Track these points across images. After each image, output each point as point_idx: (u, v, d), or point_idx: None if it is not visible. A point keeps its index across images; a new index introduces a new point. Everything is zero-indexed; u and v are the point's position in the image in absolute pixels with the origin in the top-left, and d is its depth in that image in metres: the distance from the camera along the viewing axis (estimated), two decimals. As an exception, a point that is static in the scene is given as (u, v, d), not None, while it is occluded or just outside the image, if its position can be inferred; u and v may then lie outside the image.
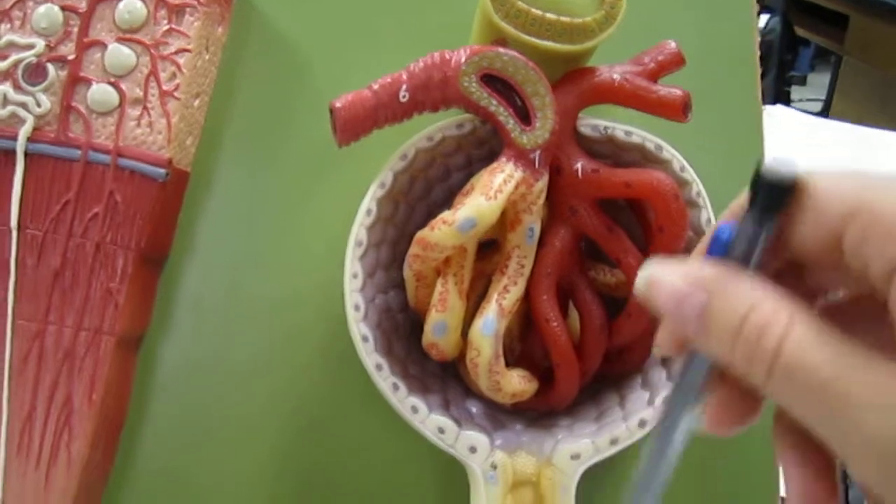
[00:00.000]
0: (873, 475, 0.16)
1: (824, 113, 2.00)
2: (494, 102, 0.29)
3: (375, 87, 0.29)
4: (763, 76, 0.43)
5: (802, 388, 0.17)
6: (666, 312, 0.20)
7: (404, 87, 0.29)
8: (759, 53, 0.41)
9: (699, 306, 0.19)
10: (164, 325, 0.37)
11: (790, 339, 0.17)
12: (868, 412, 0.16)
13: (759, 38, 0.43)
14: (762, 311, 0.18)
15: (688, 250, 0.32)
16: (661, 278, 0.20)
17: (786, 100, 2.00)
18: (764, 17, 1.83)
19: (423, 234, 0.29)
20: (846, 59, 1.89)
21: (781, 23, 1.86)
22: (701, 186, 0.32)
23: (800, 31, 1.93)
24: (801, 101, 2.28)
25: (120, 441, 0.36)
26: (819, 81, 2.42)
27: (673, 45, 0.32)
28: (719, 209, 0.32)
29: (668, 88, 0.30)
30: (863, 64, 1.77)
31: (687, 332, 0.19)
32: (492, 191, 0.28)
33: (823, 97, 2.10)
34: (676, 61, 0.32)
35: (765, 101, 0.43)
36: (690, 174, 0.32)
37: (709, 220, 0.32)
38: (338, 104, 0.29)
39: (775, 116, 1.00)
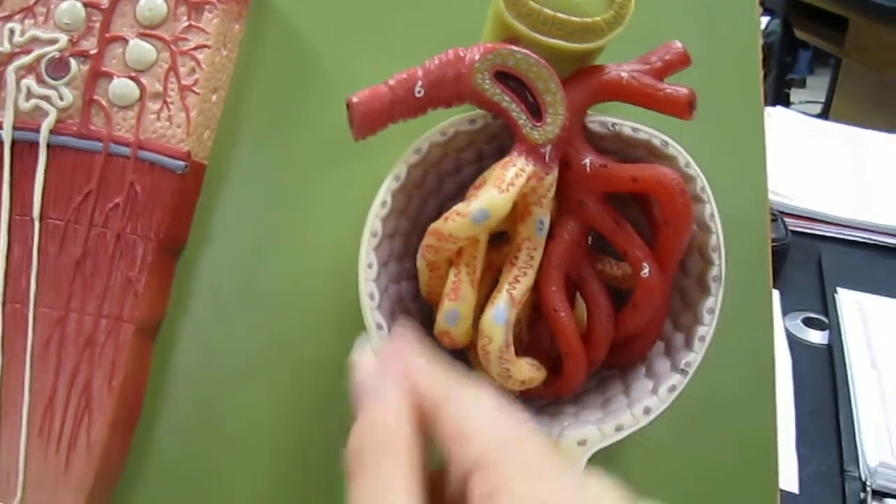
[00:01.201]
0: None
1: (823, 115, 2.01)
2: (507, 99, 0.30)
3: (391, 82, 0.30)
4: (763, 78, 0.44)
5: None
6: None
7: (420, 83, 0.30)
8: (762, 53, 0.42)
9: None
10: (179, 313, 0.38)
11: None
12: None
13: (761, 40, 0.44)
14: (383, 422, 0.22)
15: (691, 243, 0.33)
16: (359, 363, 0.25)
17: (785, 102, 2.01)
18: (764, 20, 1.84)
19: (437, 225, 0.30)
20: (845, 61, 1.90)
21: (782, 25, 1.87)
22: (705, 181, 0.33)
23: (800, 34, 1.94)
24: (800, 103, 2.29)
25: (136, 427, 0.37)
26: (818, 84, 2.44)
27: (679, 45, 0.33)
28: (721, 203, 0.33)
29: (675, 87, 0.31)
30: (862, 67, 1.78)
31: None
32: (504, 184, 0.29)
33: (822, 100, 2.11)
34: (682, 61, 0.33)
35: (765, 103, 0.44)
36: (695, 169, 0.33)
37: (712, 215, 0.32)
38: (355, 99, 0.30)
39: (774, 117, 1.01)
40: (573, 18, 0.31)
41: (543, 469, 0.20)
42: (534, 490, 0.18)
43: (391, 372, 0.24)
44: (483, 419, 0.21)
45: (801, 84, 2.53)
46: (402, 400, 0.23)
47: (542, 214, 0.31)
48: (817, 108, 2.14)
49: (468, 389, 0.22)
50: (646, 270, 0.31)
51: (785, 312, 0.65)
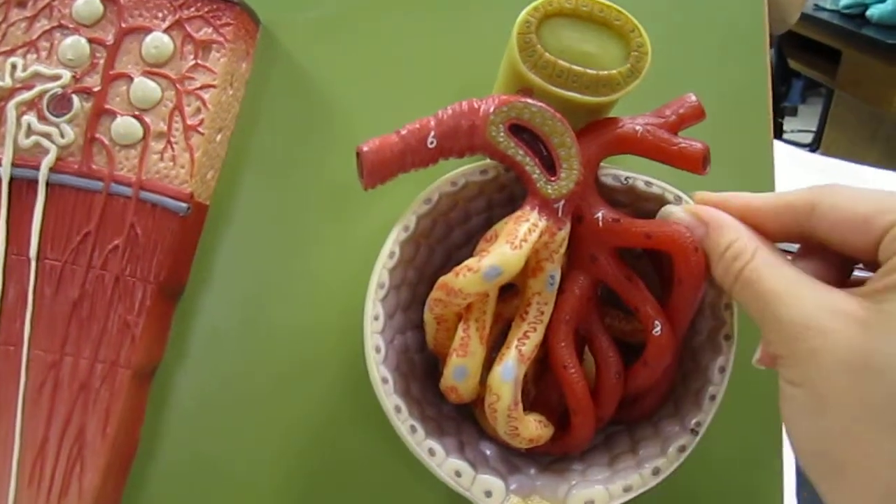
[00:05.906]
0: (782, 351, 0.25)
1: (815, 144, 2.02)
2: (521, 152, 0.29)
3: (403, 132, 0.29)
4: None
5: (751, 294, 0.26)
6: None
7: (432, 133, 0.29)
8: (772, 106, 0.42)
9: (699, 237, 0.29)
10: (177, 357, 0.37)
11: (750, 264, 0.27)
12: (782, 307, 0.25)
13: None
14: (737, 244, 0.27)
15: (703, 302, 0.32)
16: (674, 213, 0.30)
17: (778, 131, 2.03)
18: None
19: (447, 279, 0.29)
20: (838, 92, 1.92)
21: (776, 55, 1.88)
22: (718, 237, 0.32)
23: (793, 64, 1.96)
24: (792, 132, 2.31)
25: (129, 472, 0.36)
26: (810, 112, 2.46)
27: (693, 98, 0.32)
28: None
29: (689, 141, 0.31)
30: (854, 98, 1.80)
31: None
32: (517, 240, 0.28)
33: (814, 129, 2.13)
34: (697, 114, 0.32)
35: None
36: (708, 225, 0.32)
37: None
38: (365, 148, 0.29)
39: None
40: (589, 71, 0.30)
41: None
42: None
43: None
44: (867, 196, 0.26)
45: (793, 112, 2.55)
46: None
47: (554, 270, 0.30)
48: (809, 138, 2.16)
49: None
50: (657, 329, 0.31)
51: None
